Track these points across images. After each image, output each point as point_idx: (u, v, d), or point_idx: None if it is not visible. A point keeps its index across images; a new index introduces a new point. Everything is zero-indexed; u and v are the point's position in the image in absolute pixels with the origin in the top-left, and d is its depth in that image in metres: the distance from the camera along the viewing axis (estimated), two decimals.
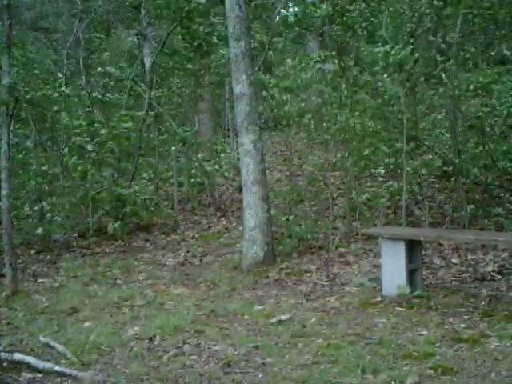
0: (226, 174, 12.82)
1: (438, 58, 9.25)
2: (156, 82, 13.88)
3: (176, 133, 12.72)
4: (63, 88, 11.47)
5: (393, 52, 8.60)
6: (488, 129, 10.03)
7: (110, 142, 11.20)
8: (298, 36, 16.99)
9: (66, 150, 11.25)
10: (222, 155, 13.00)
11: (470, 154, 9.63)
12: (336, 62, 9.81)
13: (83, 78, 12.55)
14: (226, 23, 9.33)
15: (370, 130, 9.29)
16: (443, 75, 9.24)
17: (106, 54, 14.93)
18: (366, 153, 9.23)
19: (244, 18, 9.04)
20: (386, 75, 9.08)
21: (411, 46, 8.84)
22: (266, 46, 14.57)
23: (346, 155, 9.44)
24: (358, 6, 10.15)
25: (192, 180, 12.39)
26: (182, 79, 15.47)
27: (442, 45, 9.75)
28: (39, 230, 10.48)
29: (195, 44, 13.84)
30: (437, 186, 10.69)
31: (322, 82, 9.77)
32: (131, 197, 11.16)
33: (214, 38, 13.98)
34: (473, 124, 9.64)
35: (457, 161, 9.39)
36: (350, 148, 9.51)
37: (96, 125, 11.51)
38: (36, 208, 11.00)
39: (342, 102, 9.67)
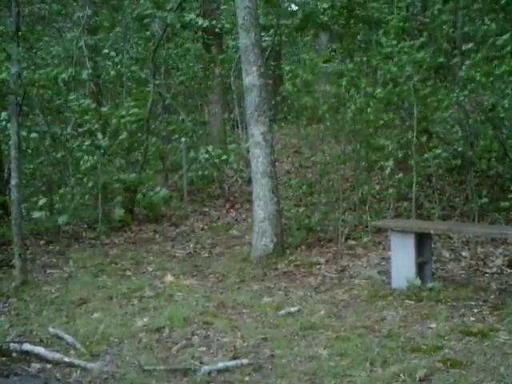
0: (235, 166, 12.78)
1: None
2: (165, 70, 13.87)
3: (183, 122, 12.71)
4: (64, 75, 11.28)
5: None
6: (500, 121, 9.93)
7: (122, 134, 11.16)
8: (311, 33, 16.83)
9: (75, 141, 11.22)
10: (231, 146, 12.97)
11: (483, 147, 9.54)
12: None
13: (88, 63, 12.50)
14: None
15: (382, 122, 9.24)
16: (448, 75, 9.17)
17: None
18: (377, 144, 9.17)
19: (253, 8, 9.00)
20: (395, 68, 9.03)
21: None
22: (274, 37, 14.46)
23: (358, 147, 9.38)
24: None
25: (200, 172, 12.37)
26: (191, 68, 15.47)
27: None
28: (49, 221, 10.49)
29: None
30: (447, 178, 10.64)
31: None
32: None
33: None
34: (487, 115, 9.52)
35: (468, 153, 9.33)
36: (361, 140, 9.45)
37: (103, 109, 11.42)
38: (46, 199, 10.99)
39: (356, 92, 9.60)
